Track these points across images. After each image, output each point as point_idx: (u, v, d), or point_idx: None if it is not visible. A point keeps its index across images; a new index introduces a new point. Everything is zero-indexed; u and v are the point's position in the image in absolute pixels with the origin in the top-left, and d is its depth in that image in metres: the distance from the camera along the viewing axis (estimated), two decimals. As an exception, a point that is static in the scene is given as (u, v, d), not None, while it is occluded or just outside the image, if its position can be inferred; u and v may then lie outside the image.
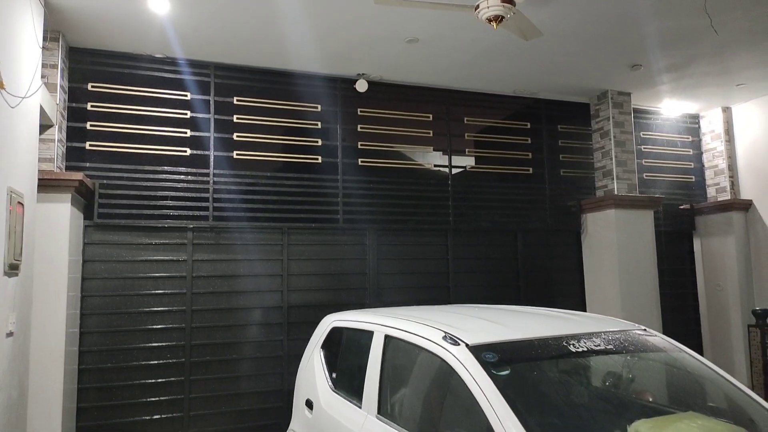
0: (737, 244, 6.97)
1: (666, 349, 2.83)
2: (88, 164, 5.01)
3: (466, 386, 2.31)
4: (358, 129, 6.02)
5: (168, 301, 5.15)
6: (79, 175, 4.53)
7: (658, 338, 2.91)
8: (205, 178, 5.38)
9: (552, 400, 2.59)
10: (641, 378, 2.90)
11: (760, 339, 5.51)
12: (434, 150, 6.33)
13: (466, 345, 2.48)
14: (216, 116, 5.49)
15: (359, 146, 6.00)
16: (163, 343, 5.08)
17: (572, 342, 2.63)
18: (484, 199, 6.41)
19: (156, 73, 5.32)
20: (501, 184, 6.56)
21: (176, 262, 5.21)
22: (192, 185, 5.33)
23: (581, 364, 2.86)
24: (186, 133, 5.37)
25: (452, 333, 2.60)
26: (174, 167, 5.29)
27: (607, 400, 2.83)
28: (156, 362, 5.04)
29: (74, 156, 4.98)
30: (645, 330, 2.98)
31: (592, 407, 2.75)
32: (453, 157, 6.37)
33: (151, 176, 5.21)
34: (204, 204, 5.34)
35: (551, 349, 2.62)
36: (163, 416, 5.00)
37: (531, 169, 6.71)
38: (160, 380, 5.03)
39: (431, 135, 6.31)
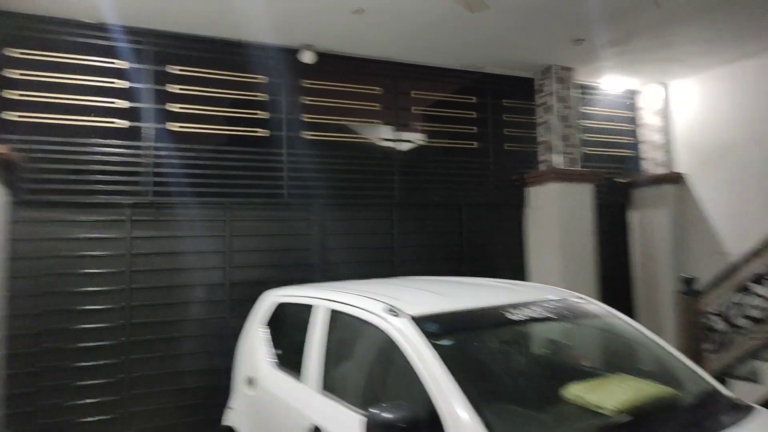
0: (669, 216, 7.29)
1: (601, 316, 2.93)
2: (12, 137, 4.69)
3: (408, 358, 2.32)
4: (305, 102, 5.87)
5: (106, 280, 4.93)
6: (2, 148, 4.24)
7: (594, 305, 3.01)
8: (143, 152, 5.13)
9: (493, 368, 2.64)
10: (578, 343, 3.00)
11: (691, 305, 5.79)
12: (382, 124, 6.27)
13: (408, 316, 2.48)
14: (155, 87, 5.22)
15: (306, 119, 5.86)
16: (102, 324, 4.87)
17: (512, 311, 2.68)
18: (430, 173, 6.42)
19: (86, 40, 5.00)
20: (446, 159, 6.57)
21: (114, 239, 4.98)
22: (129, 159, 5.08)
23: (521, 332, 2.93)
24: (121, 103, 5.10)
25: (394, 305, 2.60)
26: (109, 140, 5.02)
27: (545, 365, 2.91)
28: (94, 343, 4.83)
29: (-5, 128, 4.64)
30: (582, 298, 3.07)
31: (530, 373, 2.82)
32: (400, 131, 6.33)
33: (84, 149, 4.92)
34: (143, 179, 5.12)
35: (492, 319, 2.66)
36: (102, 399, 4.83)
37: (476, 143, 6.75)
38: (99, 362, 4.84)
39: (379, 109, 6.24)
